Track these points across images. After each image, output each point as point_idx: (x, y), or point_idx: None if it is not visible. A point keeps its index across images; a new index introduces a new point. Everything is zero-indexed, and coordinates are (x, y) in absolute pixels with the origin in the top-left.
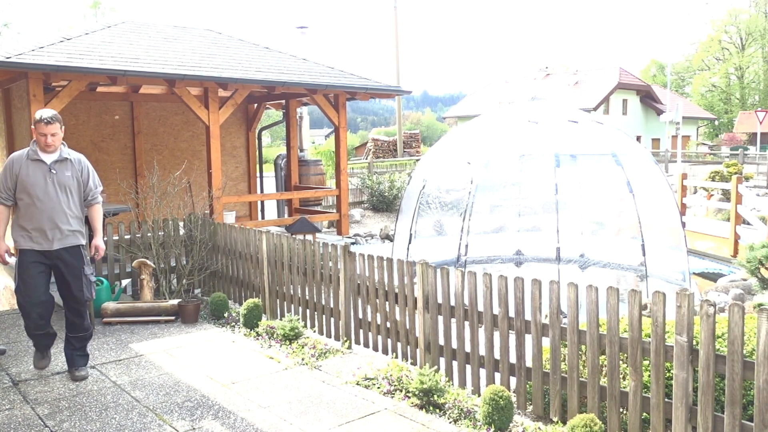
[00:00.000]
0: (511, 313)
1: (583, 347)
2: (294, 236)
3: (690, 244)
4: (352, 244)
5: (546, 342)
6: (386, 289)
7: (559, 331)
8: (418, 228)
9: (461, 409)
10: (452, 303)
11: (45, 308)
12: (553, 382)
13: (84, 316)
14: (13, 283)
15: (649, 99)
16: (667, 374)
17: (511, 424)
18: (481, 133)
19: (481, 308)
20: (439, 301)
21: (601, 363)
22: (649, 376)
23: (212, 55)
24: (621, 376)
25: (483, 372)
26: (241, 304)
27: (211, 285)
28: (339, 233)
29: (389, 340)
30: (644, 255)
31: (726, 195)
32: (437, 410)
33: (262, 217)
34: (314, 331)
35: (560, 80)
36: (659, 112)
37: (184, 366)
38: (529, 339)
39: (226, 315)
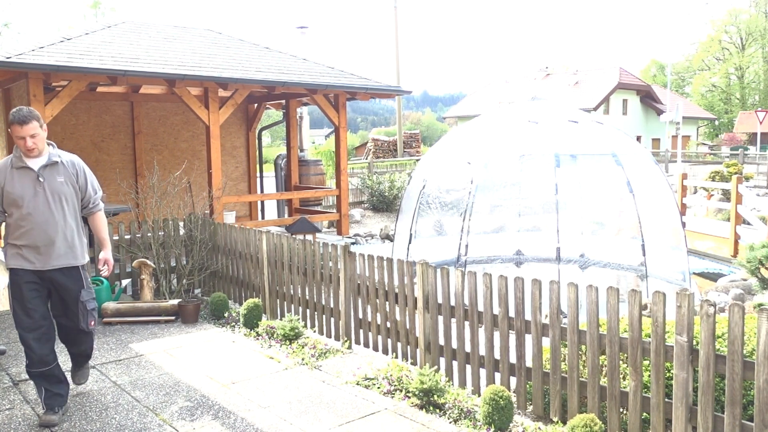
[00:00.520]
0: (511, 313)
1: (583, 347)
2: (294, 236)
3: (690, 244)
4: (352, 244)
5: (546, 342)
6: (386, 289)
7: (559, 331)
8: (418, 228)
9: (461, 409)
10: (452, 303)
11: (45, 333)
12: (553, 382)
13: (82, 345)
14: None
15: (649, 99)
16: (667, 374)
17: (511, 424)
18: (481, 133)
19: (481, 308)
20: (439, 301)
21: (601, 363)
22: (649, 376)
23: (212, 55)
24: (621, 376)
25: (483, 372)
26: (241, 304)
27: (211, 285)
28: (339, 233)
29: (389, 340)
30: (644, 255)
31: (726, 195)
32: (437, 410)
33: (262, 217)
34: (314, 331)
35: (560, 80)
36: (659, 112)
37: (184, 366)
38: (529, 339)
39: (226, 315)
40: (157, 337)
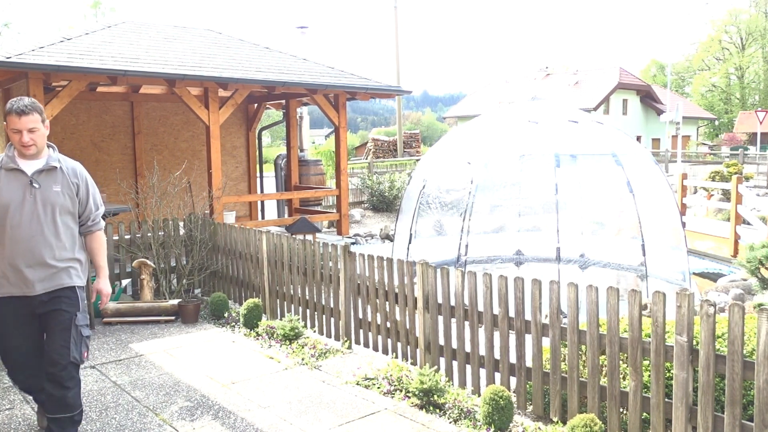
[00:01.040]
0: (511, 313)
1: (583, 347)
2: (294, 236)
3: (690, 244)
4: (352, 244)
5: (546, 342)
6: (386, 289)
7: (559, 331)
8: (418, 228)
9: (461, 409)
10: (452, 303)
11: (33, 376)
12: (553, 382)
13: (68, 386)
14: None
15: (649, 99)
16: (667, 374)
17: (511, 424)
18: (481, 133)
19: (481, 308)
20: (439, 301)
21: (601, 363)
22: (649, 376)
23: (212, 55)
24: (621, 376)
25: (483, 372)
26: (241, 304)
27: (211, 285)
28: (339, 233)
29: (389, 340)
30: (644, 255)
31: (726, 195)
32: (437, 410)
33: (262, 217)
34: (314, 331)
35: (560, 80)
36: (659, 112)
37: (184, 366)
38: (529, 339)
39: (226, 315)
40: (157, 337)
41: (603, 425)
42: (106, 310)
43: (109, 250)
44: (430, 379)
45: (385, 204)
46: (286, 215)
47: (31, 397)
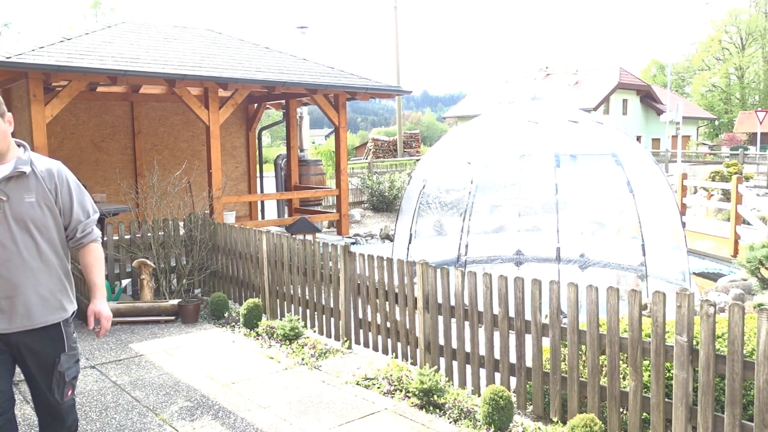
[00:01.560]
0: (511, 313)
1: (583, 347)
2: (294, 236)
3: (690, 244)
4: (352, 244)
5: (546, 342)
6: (386, 289)
7: (559, 331)
8: (418, 228)
9: (461, 409)
10: (452, 303)
11: (9, 417)
12: (553, 382)
13: (62, 419)
14: None
15: (649, 99)
16: (667, 374)
17: (511, 424)
18: (481, 133)
19: (481, 308)
20: (439, 301)
21: (601, 363)
22: (649, 376)
23: (212, 55)
24: (621, 376)
25: (483, 372)
26: (241, 304)
27: (211, 285)
28: (339, 233)
29: (389, 340)
30: (644, 255)
31: (726, 195)
32: (437, 410)
33: (262, 217)
34: (314, 331)
35: (560, 80)
36: (659, 112)
37: (184, 366)
38: (529, 339)
39: (226, 315)
40: (157, 337)
41: (603, 425)
42: None
43: (109, 250)
44: (430, 379)
45: (385, 204)
46: (286, 215)
47: (30, 397)
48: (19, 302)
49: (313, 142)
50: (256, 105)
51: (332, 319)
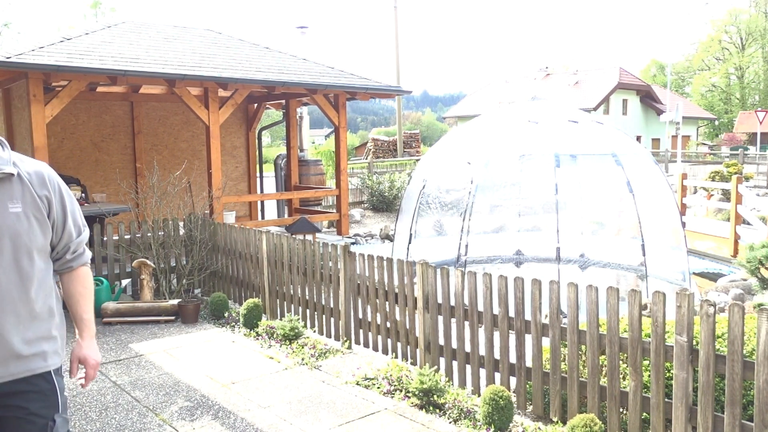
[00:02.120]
0: (511, 313)
1: (583, 347)
2: (294, 236)
3: (690, 244)
4: (352, 244)
5: (546, 342)
6: (386, 289)
7: (559, 331)
8: (418, 228)
9: (461, 409)
10: (452, 303)
11: None
12: (553, 382)
13: None
14: None
15: (649, 99)
16: (667, 374)
17: (511, 424)
18: (481, 133)
19: (481, 308)
20: (439, 301)
21: (601, 363)
22: (649, 376)
23: (212, 55)
24: (621, 376)
25: (483, 372)
26: (241, 304)
27: (211, 285)
28: (339, 233)
29: (389, 340)
30: (644, 255)
31: (726, 195)
32: (437, 410)
33: (262, 217)
34: (314, 331)
35: (560, 80)
36: (659, 112)
37: (184, 366)
38: (529, 339)
39: (226, 315)
40: (157, 337)
41: (603, 425)
42: (107, 309)
43: (108, 250)
44: (430, 379)
45: (385, 204)
46: (286, 215)
47: None
48: (1, 349)
49: (313, 142)
50: (256, 105)
51: (332, 319)
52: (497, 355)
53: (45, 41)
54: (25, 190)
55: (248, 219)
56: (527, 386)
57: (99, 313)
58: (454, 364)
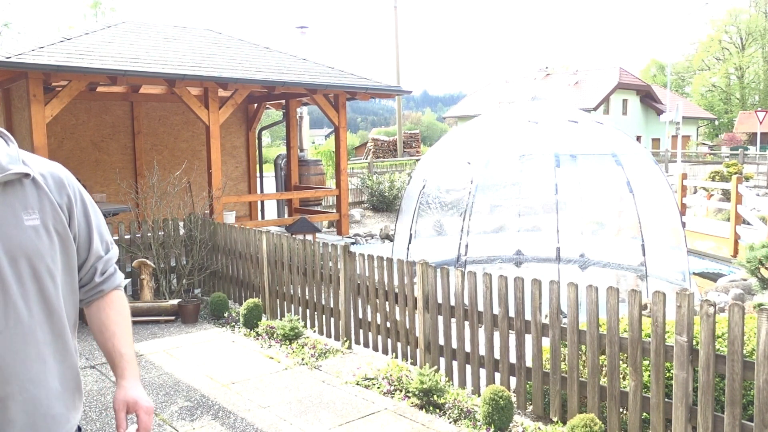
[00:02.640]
0: (511, 313)
1: (583, 347)
2: (294, 236)
3: (690, 244)
4: (352, 244)
5: (546, 342)
6: (386, 289)
7: (559, 331)
8: (418, 228)
9: (461, 409)
10: (452, 303)
11: None
12: (553, 382)
13: None
14: None
15: (649, 99)
16: (667, 374)
17: (511, 424)
18: (481, 133)
19: (481, 308)
20: (439, 301)
21: (601, 363)
22: (649, 376)
23: (212, 55)
24: (621, 376)
25: (483, 372)
26: (241, 304)
27: (211, 285)
28: (339, 233)
29: (389, 340)
30: (644, 255)
31: (726, 195)
32: (437, 410)
33: (262, 217)
34: (314, 331)
35: (560, 80)
36: (659, 112)
37: (184, 366)
38: (529, 339)
39: (226, 315)
40: (156, 337)
41: (603, 425)
42: None
43: None
44: (430, 379)
45: (385, 204)
46: (286, 215)
47: None
48: (16, 405)
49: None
50: (256, 105)
51: (332, 319)
52: (497, 355)
53: (45, 41)
54: (43, 196)
55: (248, 219)
56: (527, 386)
57: None
58: (454, 364)
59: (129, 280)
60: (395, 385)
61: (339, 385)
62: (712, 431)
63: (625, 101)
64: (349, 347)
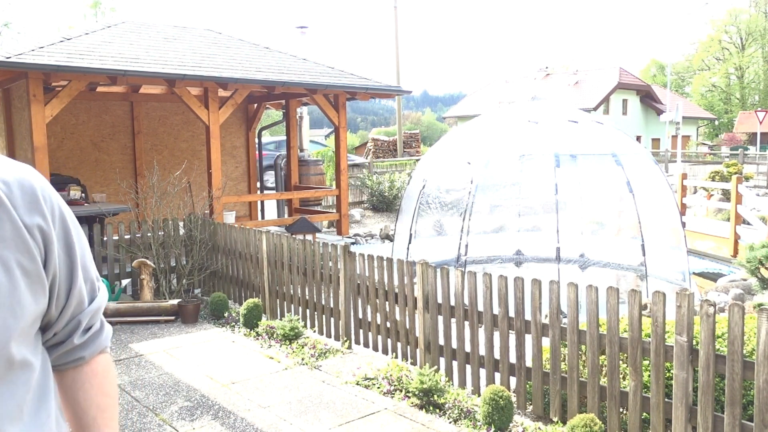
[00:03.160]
0: (511, 313)
1: (583, 347)
2: (294, 236)
3: (690, 244)
4: (352, 244)
5: (546, 342)
6: (386, 289)
7: (559, 331)
8: (418, 228)
9: (461, 409)
10: (452, 303)
11: None
12: (553, 382)
13: None
14: None
15: (649, 99)
16: (667, 374)
17: (511, 424)
18: (481, 133)
19: (481, 308)
20: (439, 301)
21: (601, 363)
22: (649, 376)
23: (212, 55)
24: (621, 376)
25: (483, 372)
26: (241, 304)
27: (211, 285)
28: (339, 233)
29: (389, 340)
30: (644, 255)
31: (726, 195)
32: (437, 410)
33: (262, 217)
34: (314, 331)
35: (560, 80)
36: (659, 112)
37: (184, 366)
38: (529, 339)
39: (226, 315)
40: (156, 337)
41: (603, 425)
42: (106, 309)
43: (109, 251)
44: (430, 379)
45: (385, 204)
46: (286, 215)
47: None
48: None
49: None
50: (256, 105)
51: (332, 319)
52: (497, 355)
53: (45, 41)
54: (3, 216)
55: (248, 219)
56: (527, 386)
57: None
58: (454, 364)
59: (129, 280)
60: (395, 385)
61: (339, 385)
62: (712, 431)
63: (625, 101)
64: (349, 347)
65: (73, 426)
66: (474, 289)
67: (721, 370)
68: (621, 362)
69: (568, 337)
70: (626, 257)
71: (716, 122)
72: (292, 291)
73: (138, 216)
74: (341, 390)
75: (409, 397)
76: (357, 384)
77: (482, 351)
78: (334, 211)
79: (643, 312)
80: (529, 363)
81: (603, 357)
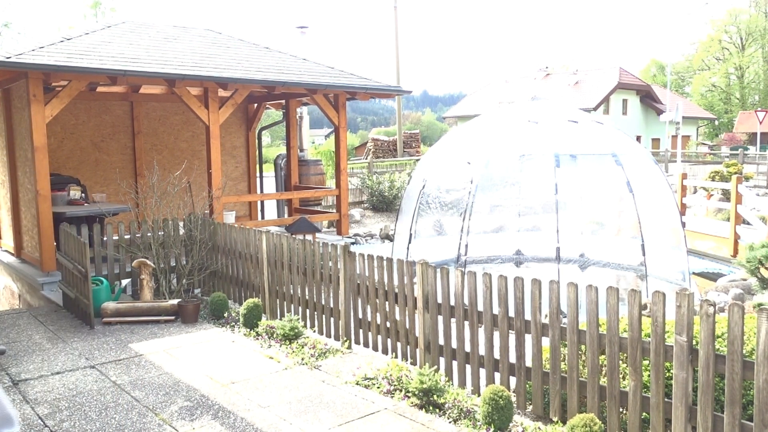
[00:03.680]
0: (511, 313)
1: (582, 347)
2: (294, 236)
3: (690, 244)
4: (352, 244)
5: (546, 342)
6: (386, 289)
7: (558, 330)
8: (418, 228)
9: (461, 409)
10: (452, 303)
11: None
12: (552, 381)
13: None
14: (12, 283)
15: (649, 99)
16: (667, 374)
17: (510, 424)
18: (481, 133)
19: (480, 308)
20: (439, 301)
21: (600, 363)
22: (649, 376)
23: (212, 55)
24: (621, 375)
25: (483, 372)
26: (241, 304)
27: (211, 285)
28: (339, 233)
29: (389, 340)
30: (644, 255)
31: (726, 195)
32: (437, 410)
33: (262, 217)
34: (314, 331)
35: (560, 80)
36: (659, 112)
37: (183, 366)
38: (528, 339)
39: (226, 315)
40: (156, 337)
41: (603, 425)
42: (106, 309)
43: (109, 250)
44: (429, 379)
45: (385, 204)
46: (286, 215)
47: (31, 397)
48: None
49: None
50: (256, 105)
51: (332, 319)
52: (497, 355)
53: (45, 41)
54: None
55: (248, 219)
56: (527, 386)
57: (99, 313)
58: (454, 363)
59: (129, 280)
60: (395, 385)
61: (339, 384)
62: (712, 431)
63: (625, 101)
64: (349, 347)
65: None
66: (474, 289)
67: (721, 370)
68: (621, 362)
69: (568, 337)
70: (626, 257)
71: (716, 122)
72: (292, 291)
73: (138, 216)
74: (341, 390)
75: (408, 397)
76: (357, 384)
77: (482, 351)
78: (334, 211)
79: (643, 312)
80: (528, 363)
81: (603, 357)
